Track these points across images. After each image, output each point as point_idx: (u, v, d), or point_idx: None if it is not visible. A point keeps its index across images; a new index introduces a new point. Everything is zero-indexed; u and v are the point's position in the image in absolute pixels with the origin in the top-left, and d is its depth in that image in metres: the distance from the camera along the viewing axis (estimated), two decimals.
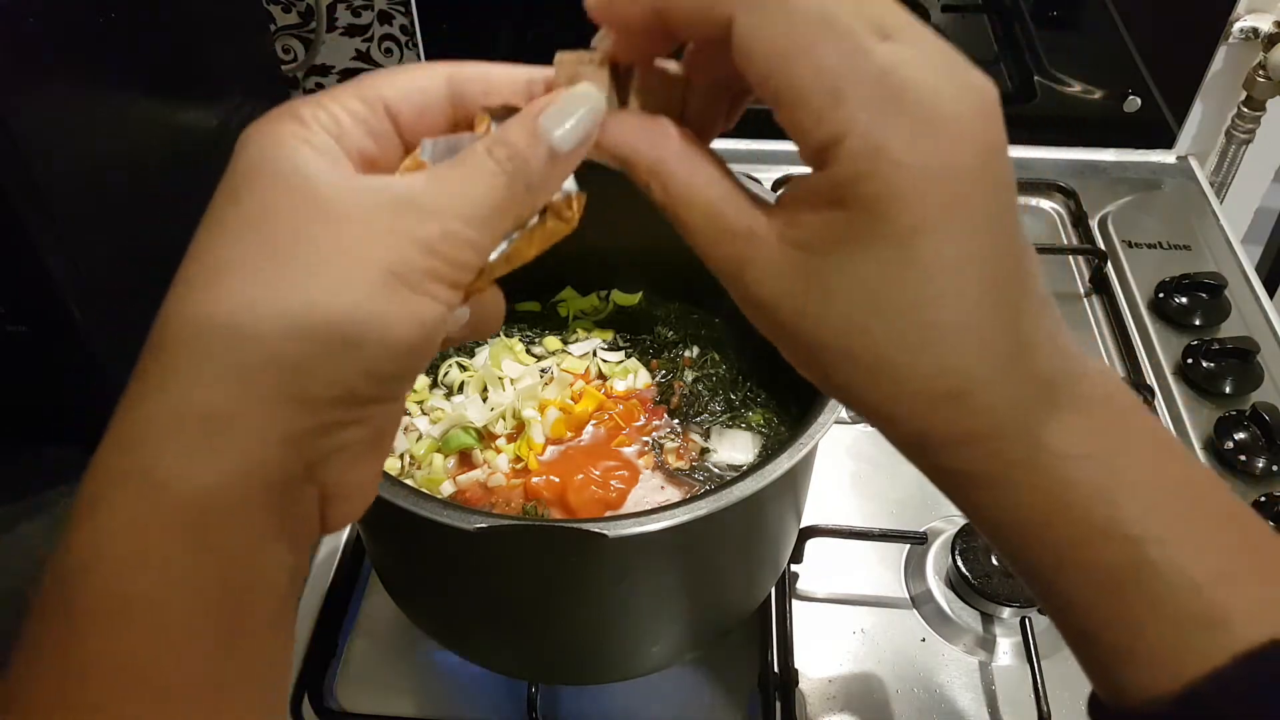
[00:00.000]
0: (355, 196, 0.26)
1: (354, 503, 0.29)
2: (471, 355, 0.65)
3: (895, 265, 0.26)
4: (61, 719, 0.24)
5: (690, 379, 0.64)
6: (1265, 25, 0.92)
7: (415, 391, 0.63)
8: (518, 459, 0.59)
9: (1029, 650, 0.60)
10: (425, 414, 0.62)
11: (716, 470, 0.60)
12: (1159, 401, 0.78)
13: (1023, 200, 1.00)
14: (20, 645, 0.25)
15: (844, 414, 0.77)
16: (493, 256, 0.29)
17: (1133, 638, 0.28)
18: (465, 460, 0.60)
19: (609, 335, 0.68)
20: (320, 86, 1.04)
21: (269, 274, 0.25)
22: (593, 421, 0.61)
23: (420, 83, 0.29)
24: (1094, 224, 0.96)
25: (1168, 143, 1.03)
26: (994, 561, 0.64)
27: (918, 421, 0.28)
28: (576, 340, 0.67)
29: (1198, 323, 0.84)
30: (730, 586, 0.55)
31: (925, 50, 0.25)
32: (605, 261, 0.67)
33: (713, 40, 0.27)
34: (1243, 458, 0.72)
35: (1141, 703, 0.28)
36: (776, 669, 0.61)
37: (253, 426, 0.25)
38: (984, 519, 0.30)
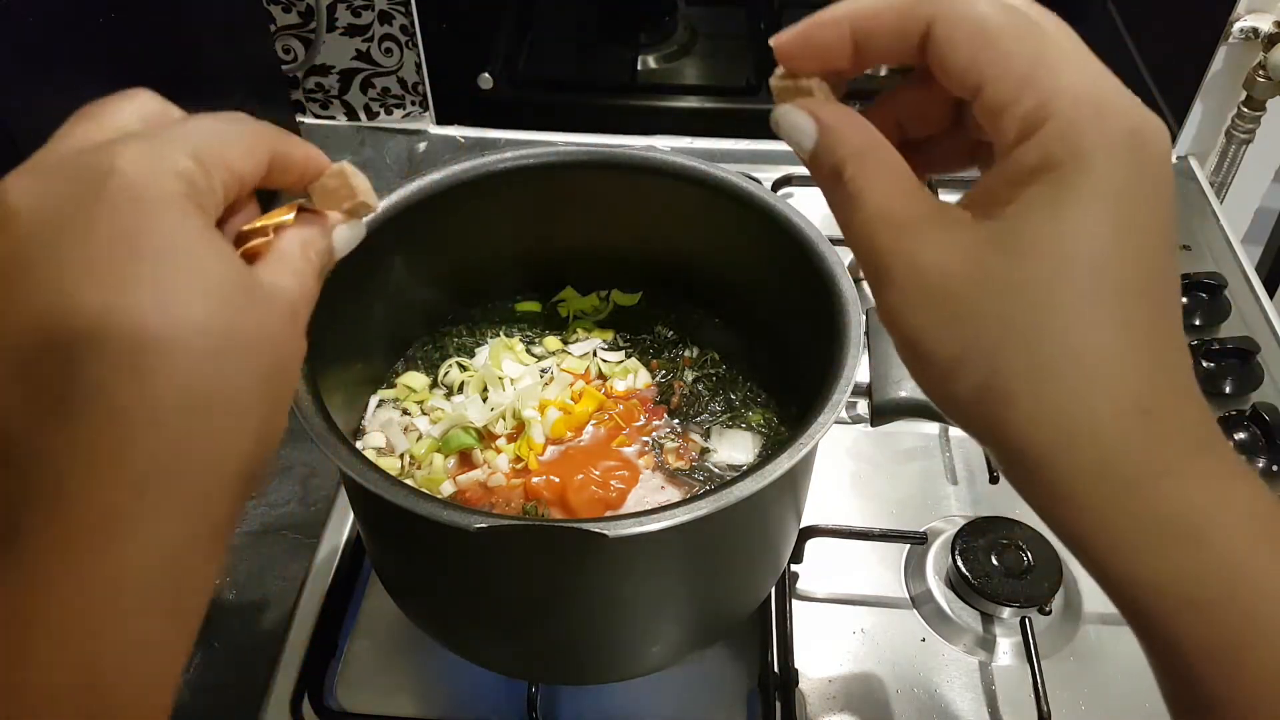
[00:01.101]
0: (263, 308, 0.30)
1: None
2: (471, 355, 0.65)
3: (1100, 222, 0.27)
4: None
5: (690, 379, 0.64)
6: (1265, 25, 0.92)
7: (415, 391, 0.63)
8: (518, 459, 0.59)
9: (1029, 650, 0.60)
10: (425, 414, 0.62)
11: (716, 470, 0.60)
12: None
13: None
14: None
15: (844, 414, 0.77)
16: None
17: None
18: (465, 460, 0.60)
19: (609, 335, 0.67)
20: (320, 86, 1.04)
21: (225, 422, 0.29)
22: (593, 421, 0.61)
23: (260, 157, 0.32)
24: None
25: None
26: (994, 561, 0.64)
27: (1076, 442, 0.27)
28: (576, 340, 0.67)
29: (1198, 323, 0.84)
30: (730, 586, 0.55)
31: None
32: (605, 261, 0.67)
33: (903, 55, 0.30)
34: (1243, 458, 0.72)
35: None
36: (776, 669, 0.61)
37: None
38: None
